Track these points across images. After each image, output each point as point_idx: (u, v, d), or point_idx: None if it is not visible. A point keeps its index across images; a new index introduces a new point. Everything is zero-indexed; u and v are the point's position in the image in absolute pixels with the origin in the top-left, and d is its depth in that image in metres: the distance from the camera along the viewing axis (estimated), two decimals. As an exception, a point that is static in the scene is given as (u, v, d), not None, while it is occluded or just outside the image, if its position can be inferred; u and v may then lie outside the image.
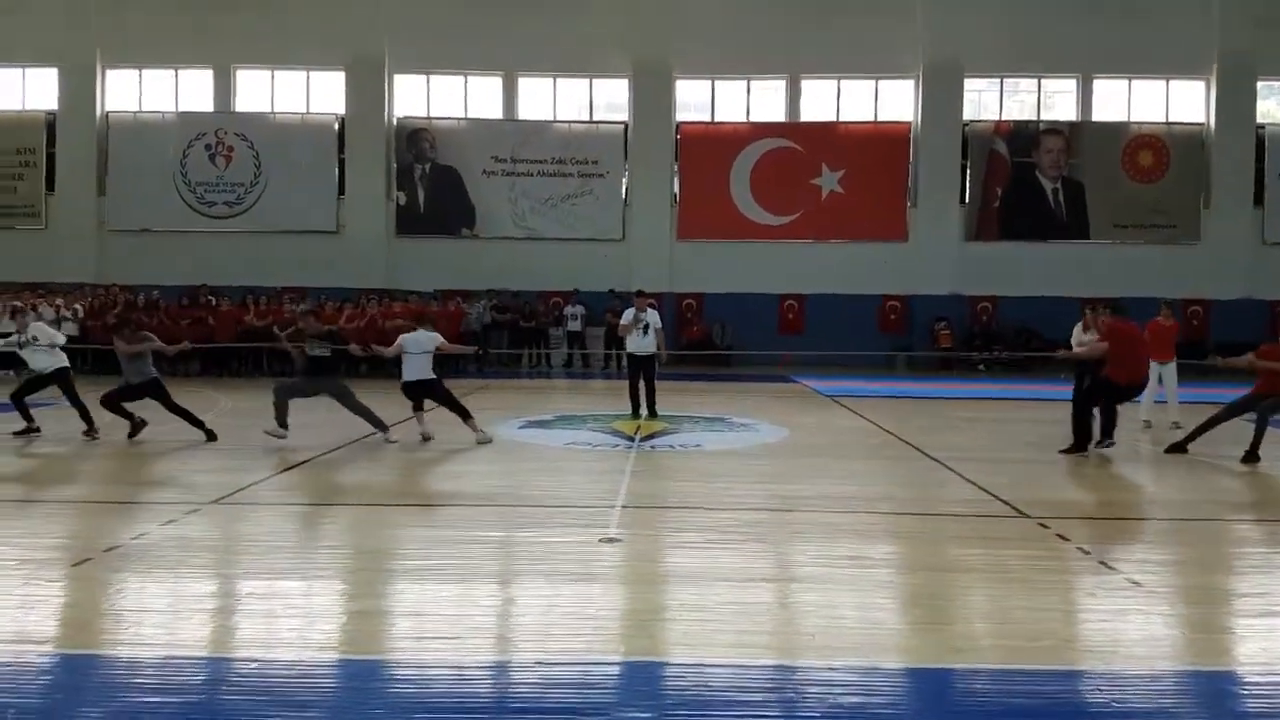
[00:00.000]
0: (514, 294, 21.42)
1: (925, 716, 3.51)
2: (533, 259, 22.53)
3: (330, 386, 9.98)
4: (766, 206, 23.12)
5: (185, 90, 23.32)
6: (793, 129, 23.16)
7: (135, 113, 23.28)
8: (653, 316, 11.93)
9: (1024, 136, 22.95)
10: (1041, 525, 6.45)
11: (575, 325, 21.16)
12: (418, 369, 10.11)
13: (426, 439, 9.90)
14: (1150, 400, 11.46)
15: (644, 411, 11.88)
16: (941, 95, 22.63)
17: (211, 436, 9.72)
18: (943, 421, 12.68)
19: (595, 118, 23.54)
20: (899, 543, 6.28)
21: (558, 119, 23.43)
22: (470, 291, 20.92)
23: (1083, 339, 11.50)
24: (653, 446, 9.83)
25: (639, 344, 11.82)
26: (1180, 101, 22.96)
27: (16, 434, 9.86)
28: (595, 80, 23.51)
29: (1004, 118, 23.21)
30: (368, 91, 22.84)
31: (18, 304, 15.23)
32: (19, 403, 9.97)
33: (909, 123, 22.97)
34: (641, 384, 11.88)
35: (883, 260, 22.74)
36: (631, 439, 10.25)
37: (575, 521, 6.39)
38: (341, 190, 23.08)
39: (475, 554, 5.70)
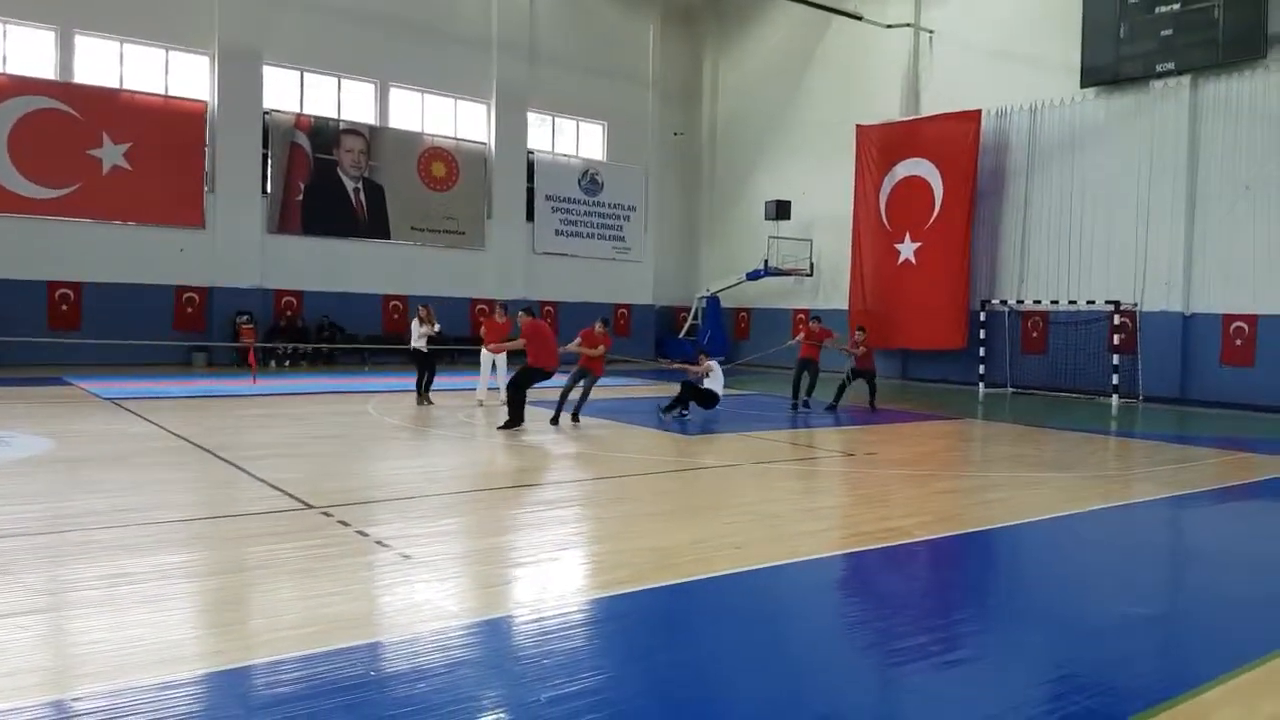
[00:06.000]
0: None
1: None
2: None
3: None
4: (31, 176, 19.16)
5: None
6: (66, 90, 19.55)
7: None
8: None
9: (325, 134, 23.00)
10: (325, 514, 6.57)
11: None
12: None
13: None
14: (485, 385, 14.30)
15: None
16: (239, 78, 21.40)
17: None
18: (241, 421, 12.03)
19: None
20: (181, 551, 5.64)
21: None
22: None
23: (420, 331, 14.18)
24: None
25: None
26: (468, 121, 25.54)
27: None
28: None
29: (305, 112, 22.95)
30: None
31: None
32: None
33: (205, 102, 21.24)
34: None
35: (178, 248, 20.72)
36: None
37: None
38: None
39: None
